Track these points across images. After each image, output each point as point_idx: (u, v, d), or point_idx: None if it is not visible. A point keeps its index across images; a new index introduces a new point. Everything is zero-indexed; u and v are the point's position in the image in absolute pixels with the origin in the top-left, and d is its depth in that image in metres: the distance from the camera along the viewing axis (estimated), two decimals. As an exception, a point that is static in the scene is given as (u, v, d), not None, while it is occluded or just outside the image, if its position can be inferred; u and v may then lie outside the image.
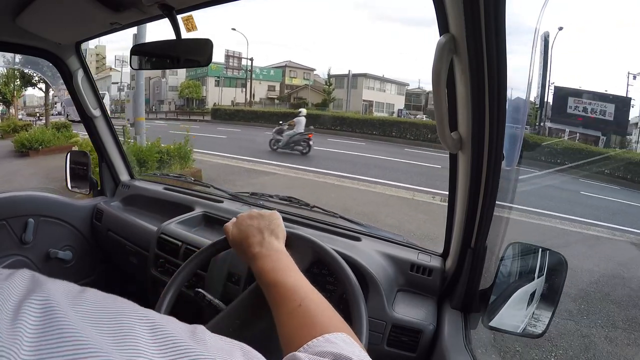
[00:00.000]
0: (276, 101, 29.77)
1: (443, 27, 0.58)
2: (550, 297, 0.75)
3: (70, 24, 1.03)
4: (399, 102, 29.81)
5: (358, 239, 1.00)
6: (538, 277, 0.77)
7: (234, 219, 0.68)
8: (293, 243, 0.77)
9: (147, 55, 0.92)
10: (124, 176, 1.55)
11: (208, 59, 0.83)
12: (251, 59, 25.82)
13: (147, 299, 1.13)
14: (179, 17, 0.85)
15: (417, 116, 25.34)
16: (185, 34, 0.86)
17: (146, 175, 1.64)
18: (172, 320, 0.26)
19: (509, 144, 0.66)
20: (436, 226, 3.86)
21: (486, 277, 0.78)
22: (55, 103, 25.58)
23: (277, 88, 31.51)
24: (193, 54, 0.85)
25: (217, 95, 27.47)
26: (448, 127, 0.65)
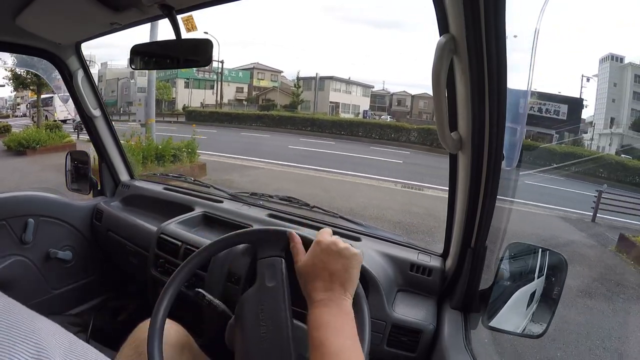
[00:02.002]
0: (244, 102, 30.26)
1: (443, 27, 0.58)
2: (550, 297, 0.75)
3: (70, 24, 1.03)
4: (365, 104, 30.93)
5: (358, 239, 1.00)
6: (538, 277, 0.77)
7: (314, 241, 0.61)
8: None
9: (147, 56, 0.92)
10: (124, 176, 1.55)
11: (208, 59, 0.83)
12: (222, 62, 26.08)
13: (147, 299, 1.13)
14: (179, 17, 0.85)
15: (382, 117, 26.36)
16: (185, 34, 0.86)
17: (146, 175, 1.64)
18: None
19: (509, 144, 0.66)
20: (395, 202, 5.20)
21: (486, 277, 0.78)
22: (19, 104, 25.37)
23: (245, 89, 32.04)
24: (193, 54, 0.85)
25: (187, 96, 27.62)
26: (448, 127, 0.64)
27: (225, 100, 28.54)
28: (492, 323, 0.75)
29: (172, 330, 0.77)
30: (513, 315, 0.77)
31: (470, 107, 0.61)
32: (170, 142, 6.12)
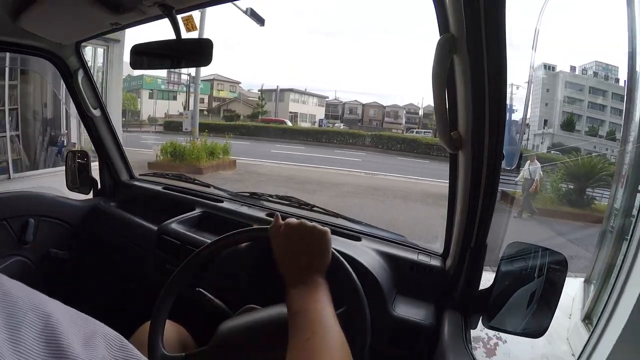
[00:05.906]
0: (205, 112, 31.17)
1: (443, 26, 0.58)
2: (550, 296, 0.75)
3: (70, 25, 1.03)
4: (320, 113, 33.22)
5: (358, 239, 1.00)
6: (538, 276, 0.77)
7: (282, 224, 0.60)
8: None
9: (148, 56, 0.92)
10: (123, 176, 1.55)
11: (208, 59, 0.83)
12: (189, 75, 26.50)
13: (148, 299, 1.13)
14: (179, 17, 0.85)
15: (336, 124, 29.01)
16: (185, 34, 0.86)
17: (146, 175, 1.63)
18: (68, 322, 0.26)
19: (508, 144, 0.66)
20: (361, 181, 8.42)
21: (486, 277, 0.78)
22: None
23: (206, 100, 33.07)
24: (193, 53, 0.86)
25: (151, 107, 27.61)
26: (448, 126, 0.64)
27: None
28: (492, 323, 0.75)
29: (173, 330, 0.77)
30: (513, 314, 0.77)
31: (470, 106, 0.61)
32: (215, 144, 8.39)
